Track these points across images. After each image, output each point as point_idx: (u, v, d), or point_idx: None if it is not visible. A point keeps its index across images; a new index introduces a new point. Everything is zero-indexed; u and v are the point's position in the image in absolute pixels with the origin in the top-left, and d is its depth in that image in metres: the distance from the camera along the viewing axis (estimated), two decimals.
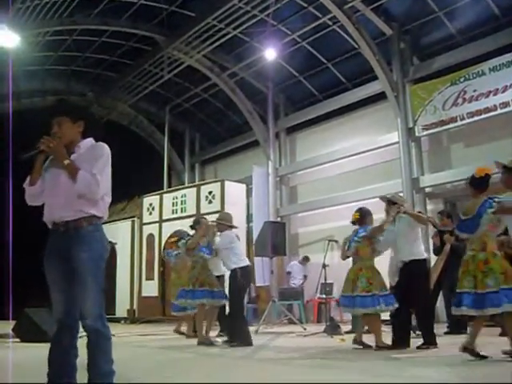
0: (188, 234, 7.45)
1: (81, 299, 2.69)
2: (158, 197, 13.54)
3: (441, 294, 7.52)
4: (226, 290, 6.83)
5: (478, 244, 4.50)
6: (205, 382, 3.93)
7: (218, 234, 6.76)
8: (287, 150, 14.91)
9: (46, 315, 6.91)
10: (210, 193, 12.22)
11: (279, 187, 14.60)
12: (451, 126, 10.81)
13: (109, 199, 2.87)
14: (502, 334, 5.83)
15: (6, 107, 12.86)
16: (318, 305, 11.91)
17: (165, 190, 14.96)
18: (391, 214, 5.78)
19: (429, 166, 11.48)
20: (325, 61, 13.36)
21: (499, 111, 10.00)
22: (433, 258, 7.47)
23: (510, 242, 5.17)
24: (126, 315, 13.40)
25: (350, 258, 6.21)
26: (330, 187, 13.01)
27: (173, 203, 13.07)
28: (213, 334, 7.26)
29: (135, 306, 13.39)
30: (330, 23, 12.01)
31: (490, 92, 10.15)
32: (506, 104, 9.89)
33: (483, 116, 10.23)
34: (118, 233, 13.63)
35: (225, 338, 6.82)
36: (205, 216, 8.06)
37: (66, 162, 2.73)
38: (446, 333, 7.31)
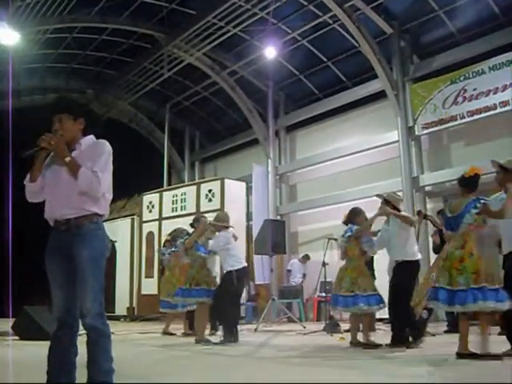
0: (187, 233, 7.47)
1: (81, 297, 2.69)
2: (157, 195, 13.54)
3: None
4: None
5: (459, 242, 4.54)
6: (205, 382, 3.93)
7: (217, 233, 6.76)
8: (287, 148, 14.90)
9: (45, 313, 6.93)
10: (210, 191, 12.21)
11: (279, 185, 14.61)
12: (451, 124, 10.82)
13: (110, 196, 2.85)
14: (501, 334, 5.83)
15: (5, 105, 12.81)
16: (318, 303, 11.91)
17: (165, 187, 14.96)
18: (375, 215, 5.86)
19: (429, 165, 11.48)
20: (325, 59, 13.35)
21: (499, 110, 10.01)
22: (432, 257, 7.47)
23: None
24: (125, 313, 13.41)
25: None
26: (329, 185, 13.01)
27: (173, 201, 13.07)
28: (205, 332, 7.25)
29: (135, 304, 13.39)
30: (330, 22, 12.00)
31: (490, 91, 10.15)
32: (505, 103, 9.90)
33: (483, 115, 10.24)
34: (118, 231, 13.62)
35: (218, 337, 6.82)
36: (204, 214, 8.07)
37: (68, 159, 2.72)
38: (445, 331, 7.33)
